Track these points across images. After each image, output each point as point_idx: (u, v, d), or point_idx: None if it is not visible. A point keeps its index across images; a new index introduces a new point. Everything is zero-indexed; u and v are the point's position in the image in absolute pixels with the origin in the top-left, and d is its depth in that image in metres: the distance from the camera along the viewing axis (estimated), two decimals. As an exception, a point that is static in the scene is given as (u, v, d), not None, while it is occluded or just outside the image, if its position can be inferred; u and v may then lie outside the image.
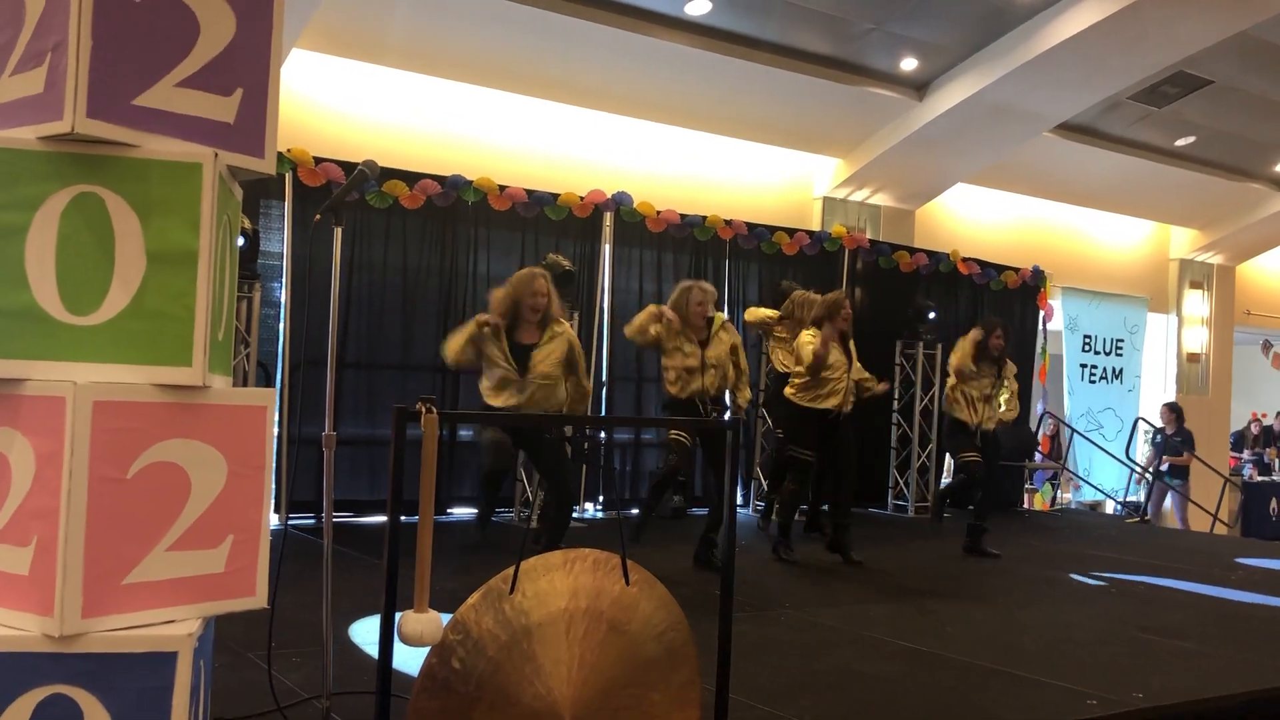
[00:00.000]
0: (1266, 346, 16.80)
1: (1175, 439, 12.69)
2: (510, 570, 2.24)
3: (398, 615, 2.24)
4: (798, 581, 6.22)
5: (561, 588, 2.28)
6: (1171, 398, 13.85)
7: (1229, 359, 14.83)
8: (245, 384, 6.90)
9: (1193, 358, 14.36)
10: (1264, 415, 16.04)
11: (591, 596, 2.29)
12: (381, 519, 7.34)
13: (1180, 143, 11.77)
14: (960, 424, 7.40)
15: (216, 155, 2.31)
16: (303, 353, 7.28)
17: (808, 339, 6.61)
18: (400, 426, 2.16)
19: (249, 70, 2.45)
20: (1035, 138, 10.55)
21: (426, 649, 2.21)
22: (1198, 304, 14.41)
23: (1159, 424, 13.12)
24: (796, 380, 6.72)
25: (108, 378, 2.19)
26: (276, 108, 2.50)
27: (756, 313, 8.31)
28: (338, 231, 3.06)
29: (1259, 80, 10.38)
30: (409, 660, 2.64)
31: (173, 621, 2.25)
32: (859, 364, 6.82)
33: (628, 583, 2.35)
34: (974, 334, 7.46)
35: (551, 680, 2.23)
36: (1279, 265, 15.50)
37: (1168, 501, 12.80)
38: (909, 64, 9.49)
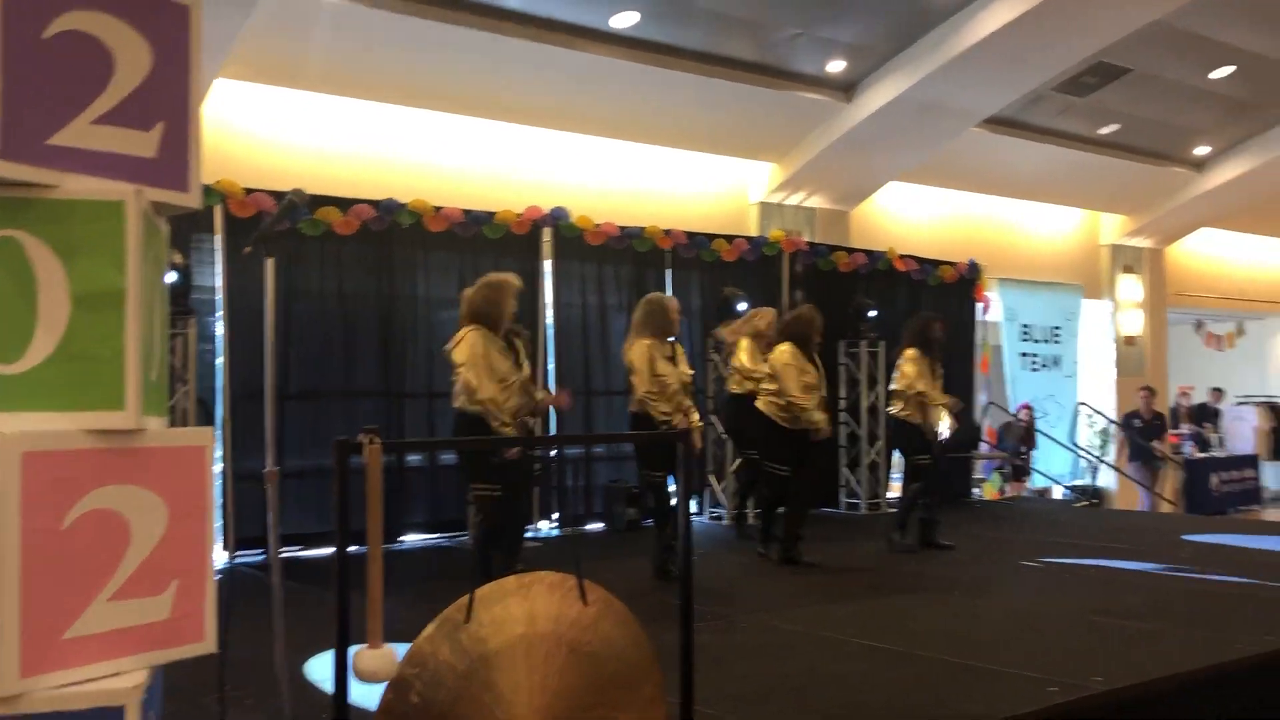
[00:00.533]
0: (1199, 325, 17.18)
1: (1155, 424, 12.94)
2: (465, 599, 2.20)
3: (352, 651, 2.19)
4: (756, 587, 6.22)
5: (518, 613, 2.24)
6: (1111, 382, 14.11)
7: (1164, 340, 15.14)
8: (185, 422, 6.77)
9: (1129, 341, 14.64)
10: (1191, 389, 16.33)
11: (549, 619, 2.26)
12: (332, 550, 7.22)
13: (1104, 131, 12.01)
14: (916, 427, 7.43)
15: (138, 192, 2.25)
16: (242, 387, 7.14)
17: (790, 359, 6.67)
18: (342, 459, 2.12)
19: (168, 103, 2.39)
20: (964, 133, 10.70)
21: (383, 684, 2.16)
22: (1131, 288, 14.70)
23: (1133, 408, 13.39)
24: (775, 399, 6.72)
25: (36, 426, 2.12)
26: (199, 140, 2.45)
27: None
28: (270, 263, 3.00)
29: (1175, 67, 10.63)
30: (368, 695, 2.59)
31: (118, 674, 2.18)
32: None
33: (585, 603, 2.32)
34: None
35: (513, 708, 2.19)
36: (1206, 246, 15.86)
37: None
38: (835, 66, 9.58)
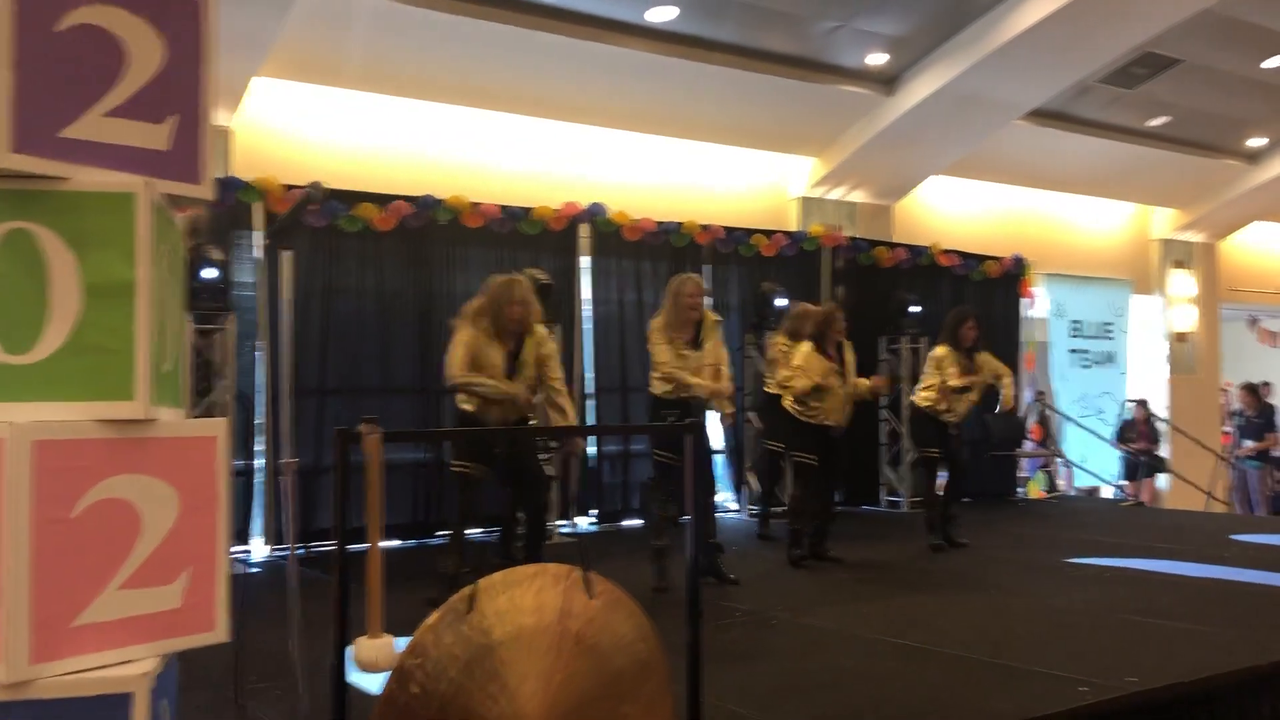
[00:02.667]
0: (1253, 322, 16.80)
1: (1257, 420, 12.70)
2: (469, 589, 2.20)
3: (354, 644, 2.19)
4: (788, 584, 6.18)
5: (524, 604, 2.23)
6: (1164, 379, 13.85)
7: (1216, 337, 14.83)
8: (225, 416, 6.84)
9: (1181, 337, 14.37)
10: (1229, 384, 15.93)
11: (556, 611, 2.25)
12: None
13: (1153, 123, 11.79)
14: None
15: (149, 184, 2.27)
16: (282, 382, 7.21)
17: (799, 360, 6.57)
18: (343, 448, 2.12)
19: (181, 96, 2.41)
20: (1007, 126, 10.55)
21: (387, 674, 2.16)
22: (1182, 283, 14.41)
23: (1237, 407, 13.12)
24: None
25: (47, 416, 2.15)
26: (211, 133, 2.47)
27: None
28: (285, 256, 3.02)
29: (1226, 56, 10.40)
30: (378, 685, 2.59)
31: (128, 662, 2.20)
32: (854, 376, 6.70)
33: (591, 596, 2.30)
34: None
35: (518, 699, 2.18)
36: (1260, 240, 15.51)
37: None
38: (876, 59, 9.49)
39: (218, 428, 2.46)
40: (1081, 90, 10.66)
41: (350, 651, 2.19)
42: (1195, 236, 14.36)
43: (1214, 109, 11.61)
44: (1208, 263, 14.61)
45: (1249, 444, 13.00)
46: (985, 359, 7.47)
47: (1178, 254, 14.34)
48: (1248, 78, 10.93)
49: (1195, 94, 11.15)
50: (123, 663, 2.19)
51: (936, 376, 7.34)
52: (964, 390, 7.29)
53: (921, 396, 7.42)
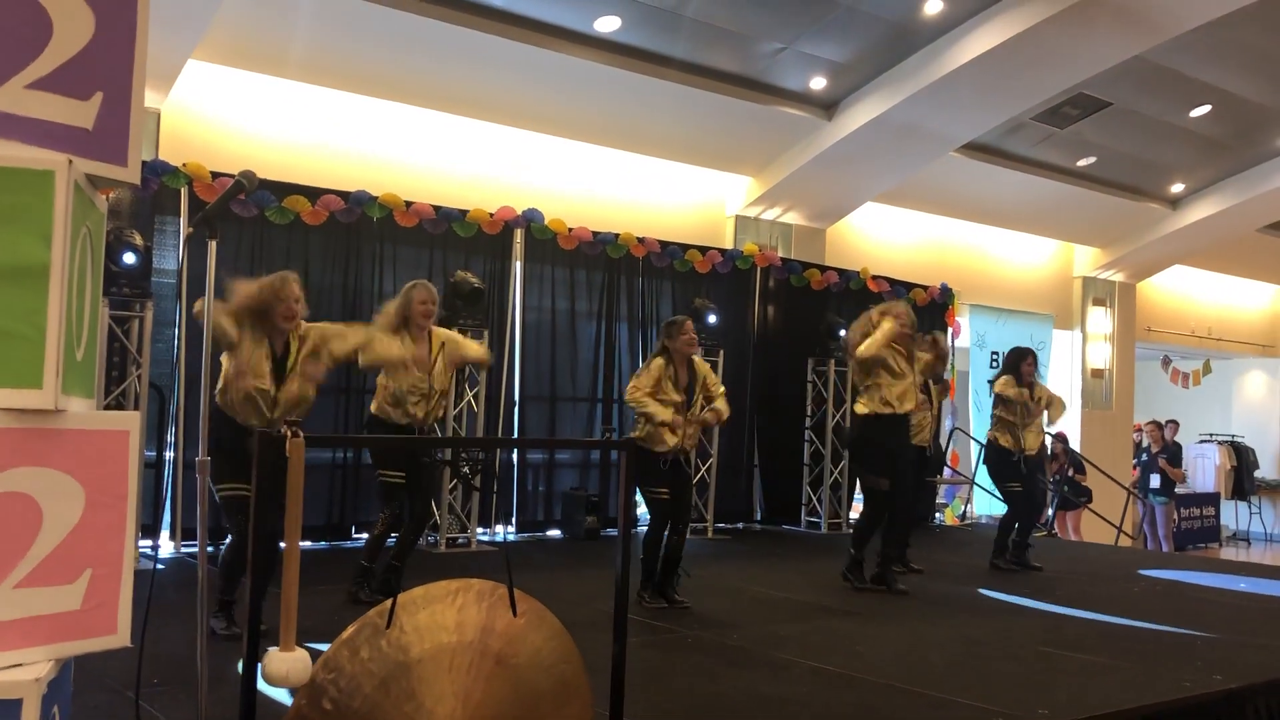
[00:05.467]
0: (1166, 362, 17.28)
1: (1162, 456, 12.99)
2: (388, 604, 2.12)
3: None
4: (706, 603, 6.14)
5: (445, 621, 2.16)
6: (1077, 413, 14.15)
7: (1131, 374, 15.21)
8: (135, 406, 6.64)
9: (1097, 373, 14.70)
10: (1139, 425, 16.36)
11: (477, 629, 2.18)
12: (311, 545, 7.12)
13: (1081, 163, 12.06)
14: (1006, 451, 7.65)
15: (71, 162, 2.15)
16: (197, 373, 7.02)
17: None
18: (263, 453, 2.03)
19: (110, 73, 2.30)
20: (942, 157, 10.70)
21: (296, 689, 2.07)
22: (1101, 320, 14.76)
23: (1146, 443, 13.40)
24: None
25: (-55, 402, 2.02)
26: (141, 114, 2.36)
27: None
28: (212, 245, 2.91)
29: (1154, 103, 10.68)
30: (289, 697, 2.49)
31: (20, 665, 2.08)
32: (716, 389, 6.14)
33: (515, 614, 2.24)
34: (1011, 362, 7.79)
35: (434, 719, 2.10)
36: (1177, 283, 15.96)
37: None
38: (818, 83, 9.56)
39: (130, 421, 2.34)
40: (1015, 126, 10.87)
41: (261, 664, 2.10)
42: (1115, 276, 14.72)
43: (1141, 153, 11.92)
44: (1126, 302, 14.99)
45: (1157, 479, 13.35)
46: (1041, 390, 7.81)
47: (1098, 292, 14.69)
48: (1174, 125, 11.25)
49: (1123, 137, 11.44)
50: (13, 666, 2.07)
51: (1009, 413, 7.59)
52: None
53: (991, 434, 7.72)
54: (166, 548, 7.10)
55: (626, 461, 2.54)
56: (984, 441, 8.04)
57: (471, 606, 2.18)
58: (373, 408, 5.67)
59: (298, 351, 4.81)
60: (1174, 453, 13.48)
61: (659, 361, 5.88)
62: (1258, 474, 16.04)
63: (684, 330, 5.91)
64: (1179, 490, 14.56)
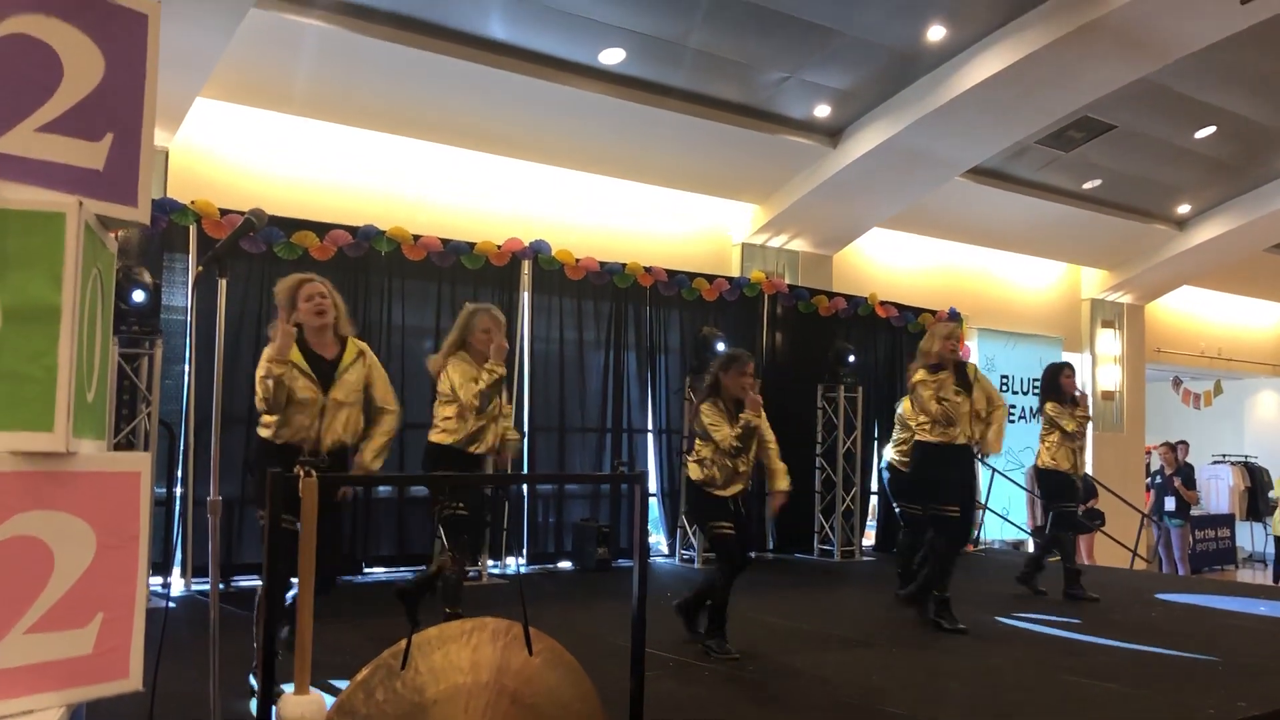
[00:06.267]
0: (1177, 383, 17.21)
1: (1175, 478, 12.90)
2: (402, 644, 2.09)
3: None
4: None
5: (459, 661, 2.13)
6: (1089, 436, 14.05)
7: (1142, 396, 15.14)
8: (145, 445, 6.63)
9: (1107, 395, 14.63)
10: (1151, 447, 16.28)
11: (492, 669, 2.15)
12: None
13: (1087, 186, 12.06)
14: (1064, 475, 7.67)
15: (81, 204, 2.15)
16: (208, 411, 7.02)
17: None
18: (275, 493, 2.01)
19: (120, 115, 2.30)
20: (947, 182, 10.71)
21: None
22: (1110, 343, 14.71)
23: (1159, 465, 13.31)
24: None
25: (-44, 446, 2.01)
26: (151, 154, 2.36)
27: None
28: (222, 284, 2.91)
29: (1159, 124, 10.68)
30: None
31: (31, 712, 2.05)
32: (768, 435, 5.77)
33: (531, 652, 2.21)
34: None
35: (450, 760, 2.08)
36: (1185, 304, 15.92)
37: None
38: (822, 111, 9.58)
39: (141, 462, 2.33)
40: (1020, 150, 10.87)
41: (275, 708, 2.07)
42: (1124, 298, 14.69)
43: (1146, 175, 11.91)
44: (1135, 324, 14.94)
45: (1172, 501, 13.25)
46: (1082, 398, 7.77)
47: (1106, 314, 14.65)
48: (1179, 146, 11.24)
49: (1129, 160, 11.44)
50: (25, 713, 2.05)
51: (1055, 432, 7.58)
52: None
53: (1046, 459, 7.66)
54: (178, 585, 7.06)
55: (642, 495, 2.51)
56: (1037, 466, 7.84)
57: (486, 646, 2.16)
58: (435, 437, 5.23)
59: (351, 360, 4.43)
60: (1187, 474, 13.40)
61: (711, 407, 5.54)
62: (1272, 494, 15.91)
63: (745, 370, 5.56)
64: (1194, 512, 14.45)
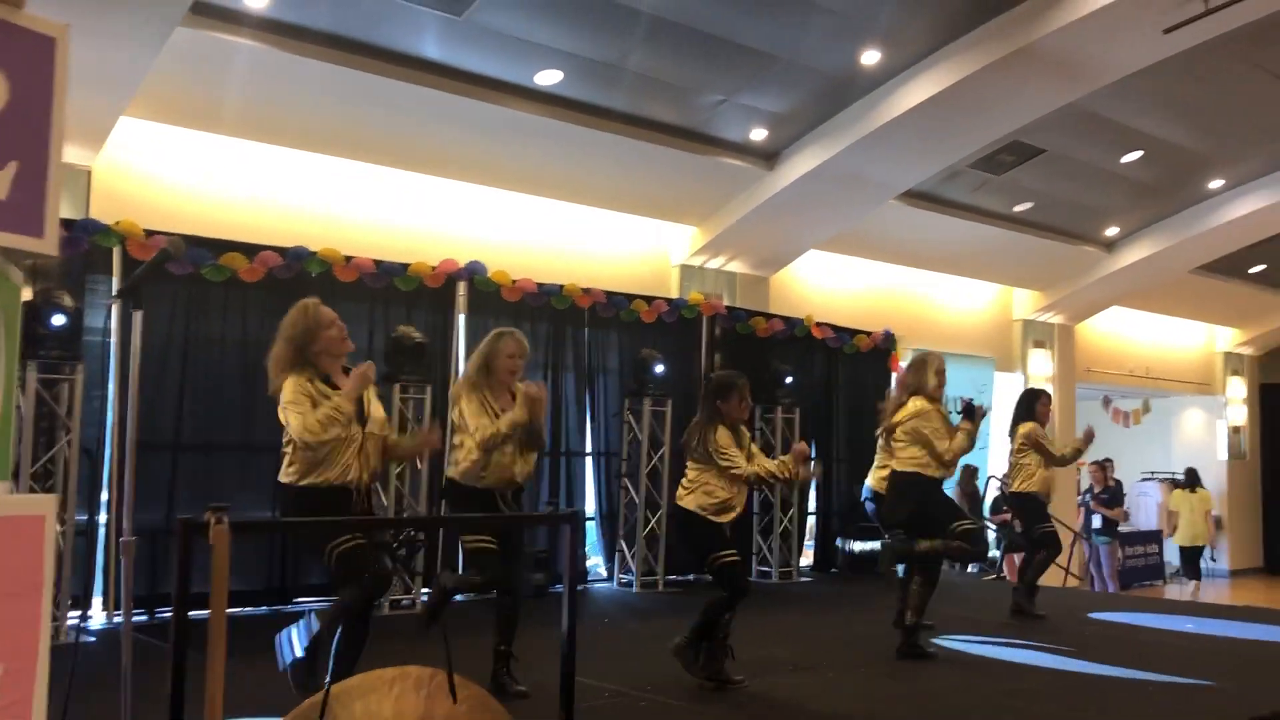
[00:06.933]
0: (1106, 401, 17.52)
1: (1103, 496, 13.08)
2: (319, 697, 2.01)
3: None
4: (654, 661, 6.03)
5: (381, 711, 2.05)
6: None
7: (1073, 415, 15.39)
8: (66, 472, 6.42)
9: (1039, 415, 14.83)
10: (1082, 463, 16.55)
11: (416, 719, 2.07)
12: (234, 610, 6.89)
13: (1018, 208, 12.25)
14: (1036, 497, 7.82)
15: (-20, 236, 2.05)
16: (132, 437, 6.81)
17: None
18: (186, 540, 1.92)
19: (25, 142, 2.20)
20: (882, 205, 10.81)
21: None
22: (1042, 363, 14.94)
23: (1089, 483, 13.51)
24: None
25: None
26: (60, 183, 2.26)
27: None
28: (138, 316, 2.80)
29: (1088, 149, 10.89)
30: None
31: (-79, 774, 1.94)
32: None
33: (455, 700, 2.14)
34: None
35: (372, 815, 1.99)
36: (1114, 324, 16.24)
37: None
38: (758, 134, 9.63)
39: (45, 505, 2.22)
40: (952, 174, 11.02)
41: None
42: (1054, 318, 14.94)
43: (1075, 198, 12.14)
44: (1065, 344, 15.20)
45: (1099, 519, 13.47)
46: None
47: (1038, 334, 14.89)
48: (1107, 170, 11.48)
49: (1058, 183, 11.65)
50: (-85, 776, 1.93)
51: (1035, 456, 7.71)
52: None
53: (1026, 484, 7.79)
54: (99, 618, 6.84)
55: (573, 534, 2.46)
56: (1015, 491, 7.94)
57: (410, 695, 2.08)
58: (454, 474, 5.00)
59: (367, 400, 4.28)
60: (1114, 492, 13.64)
61: (726, 432, 5.37)
62: (1171, 506, 16.24)
63: (745, 396, 5.45)
64: (1122, 529, 14.71)
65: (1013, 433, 8.01)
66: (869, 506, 7.87)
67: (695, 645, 5.28)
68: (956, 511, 6.56)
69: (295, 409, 3.92)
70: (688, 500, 5.31)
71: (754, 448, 5.52)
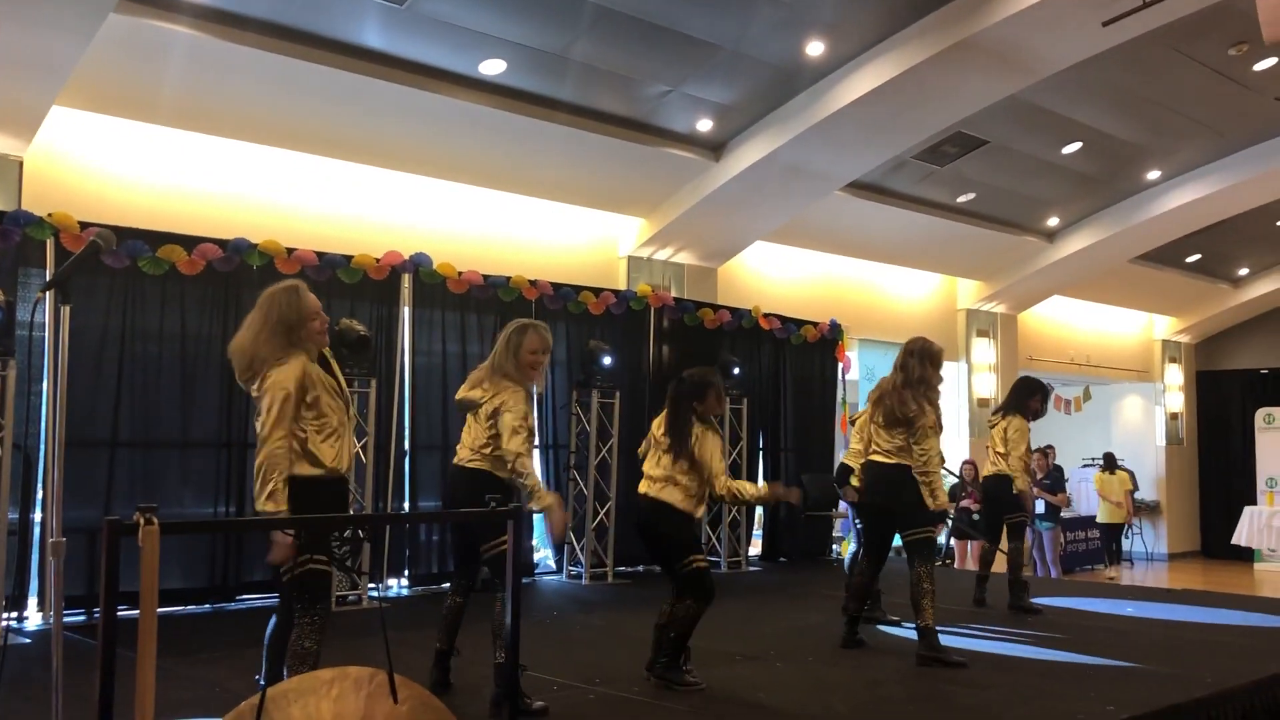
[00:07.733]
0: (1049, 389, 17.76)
1: (1046, 482, 13.25)
2: (255, 699, 1.97)
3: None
4: (606, 653, 6.03)
5: (320, 714, 2.01)
6: (965, 443, 14.44)
7: (1015, 402, 15.57)
8: (0, 469, 6.27)
9: (983, 403, 15.03)
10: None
11: None
12: (166, 609, 6.77)
13: (962, 199, 12.38)
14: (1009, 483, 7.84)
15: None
16: (69, 433, 6.66)
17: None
18: (113, 541, 1.87)
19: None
20: (828, 196, 10.87)
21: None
22: (985, 351, 15.14)
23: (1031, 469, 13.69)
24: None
25: None
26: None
27: None
28: (65, 311, 2.73)
29: (1029, 140, 11.03)
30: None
31: None
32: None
33: (396, 700, 2.10)
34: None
35: (311, 819, 1.96)
36: (1056, 313, 16.49)
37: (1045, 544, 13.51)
38: (704, 125, 9.62)
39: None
40: (897, 165, 11.10)
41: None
42: (997, 307, 15.13)
43: (1017, 189, 12.29)
44: (1008, 333, 15.40)
45: (1042, 505, 13.67)
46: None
47: (981, 323, 15.08)
48: (1048, 161, 11.63)
49: (1000, 174, 11.79)
50: None
51: (1020, 447, 7.73)
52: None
53: (1007, 466, 7.77)
54: (35, 619, 6.69)
55: (516, 531, 2.43)
56: (995, 478, 7.89)
57: (349, 696, 2.04)
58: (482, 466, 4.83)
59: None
60: (1056, 478, 13.86)
61: (715, 439, 5.26)
62: (1137, 496, 16.56)
63: (721, 394, 5.37)
64: (1064, 515, 14.96)
65: (998, 414, 8.04)
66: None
67: (675, 659, 5.15)
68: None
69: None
70: (666, 493, 5.13)
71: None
